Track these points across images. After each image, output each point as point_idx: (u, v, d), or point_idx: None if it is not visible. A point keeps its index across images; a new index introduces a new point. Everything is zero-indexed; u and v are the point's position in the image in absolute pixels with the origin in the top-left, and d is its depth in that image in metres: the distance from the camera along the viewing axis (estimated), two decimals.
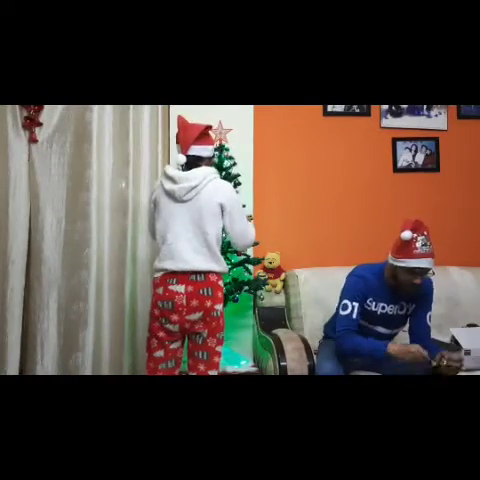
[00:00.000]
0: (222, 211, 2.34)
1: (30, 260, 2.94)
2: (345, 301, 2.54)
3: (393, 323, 2.66)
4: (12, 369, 2.84)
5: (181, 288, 2.29)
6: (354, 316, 2.50)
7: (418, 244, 2.43)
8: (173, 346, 2.37)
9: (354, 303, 2.52)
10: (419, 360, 2.35)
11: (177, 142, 2.43)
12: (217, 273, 2.35)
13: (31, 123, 2.92)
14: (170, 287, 2.30)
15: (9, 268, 2.87)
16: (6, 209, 2.88)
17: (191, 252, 2.30)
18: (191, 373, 2.38)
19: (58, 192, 2.97)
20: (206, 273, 2.31)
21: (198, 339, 2.34)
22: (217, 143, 3.07)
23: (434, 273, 2.50)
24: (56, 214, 2.97)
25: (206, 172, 2.34)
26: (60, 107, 2.97)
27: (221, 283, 2.37)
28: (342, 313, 2.54)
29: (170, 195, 2.34)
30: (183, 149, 2.37)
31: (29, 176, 2.94)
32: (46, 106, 2.93)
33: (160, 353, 2.37)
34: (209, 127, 2.44)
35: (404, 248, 2.45)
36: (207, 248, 2.32)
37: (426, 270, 2.47)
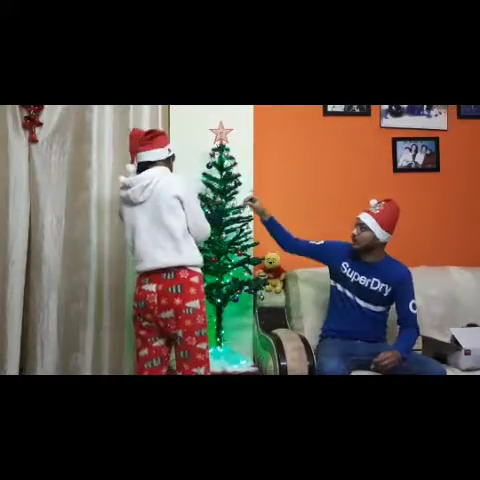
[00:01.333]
0: (181, 203, 2.35)
1: (30, 260, 2.95)
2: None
3: (368, 297, 2.81)
4: (12, 369, 2.85)
5: (152, 287, 2.32)
6: (310, 242, 2.97)
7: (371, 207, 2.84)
8: (156, 344, 2.39)
9: (321, 241, 2.95)
10: None
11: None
12: (188, 269, 2.34)
13: (31, 123, 2.92)
14: (143, 287, 2.35)
15: (9, 268, 2.87)
16: (6, 209, 2.88)
17: (158, 250, 2.33)
18: (178, 373, 2.39)
19: (58, 192, 2.98)
20: (176, 270, 2.32)
21: (177, 340, 2.35)
22: (217, 143, 3.07)
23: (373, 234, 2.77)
24: (56, 214, 2.98)
25: (156, 170, 2.38)
26: (60, 107, 2.97)
27: (195, 279, 2.35)
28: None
29: (127, 201, 2.39)
30: (131, 158, 2.42)
31: (29, 176, 2.94)
32: (46, 106, 2.94)
33: (144, 352, 2.39)
34: (152, 132, 2.46)
35: None
36: (172, 243, 2.33)
37: (363, 225, 2.77)
